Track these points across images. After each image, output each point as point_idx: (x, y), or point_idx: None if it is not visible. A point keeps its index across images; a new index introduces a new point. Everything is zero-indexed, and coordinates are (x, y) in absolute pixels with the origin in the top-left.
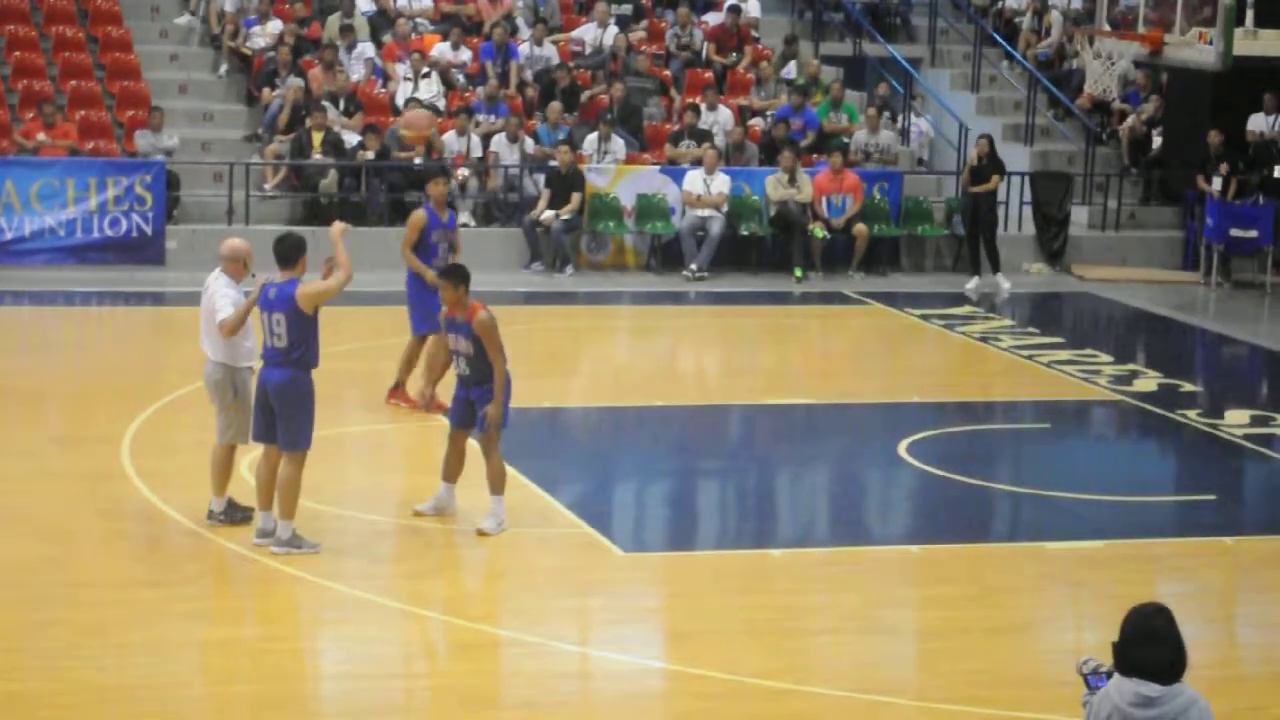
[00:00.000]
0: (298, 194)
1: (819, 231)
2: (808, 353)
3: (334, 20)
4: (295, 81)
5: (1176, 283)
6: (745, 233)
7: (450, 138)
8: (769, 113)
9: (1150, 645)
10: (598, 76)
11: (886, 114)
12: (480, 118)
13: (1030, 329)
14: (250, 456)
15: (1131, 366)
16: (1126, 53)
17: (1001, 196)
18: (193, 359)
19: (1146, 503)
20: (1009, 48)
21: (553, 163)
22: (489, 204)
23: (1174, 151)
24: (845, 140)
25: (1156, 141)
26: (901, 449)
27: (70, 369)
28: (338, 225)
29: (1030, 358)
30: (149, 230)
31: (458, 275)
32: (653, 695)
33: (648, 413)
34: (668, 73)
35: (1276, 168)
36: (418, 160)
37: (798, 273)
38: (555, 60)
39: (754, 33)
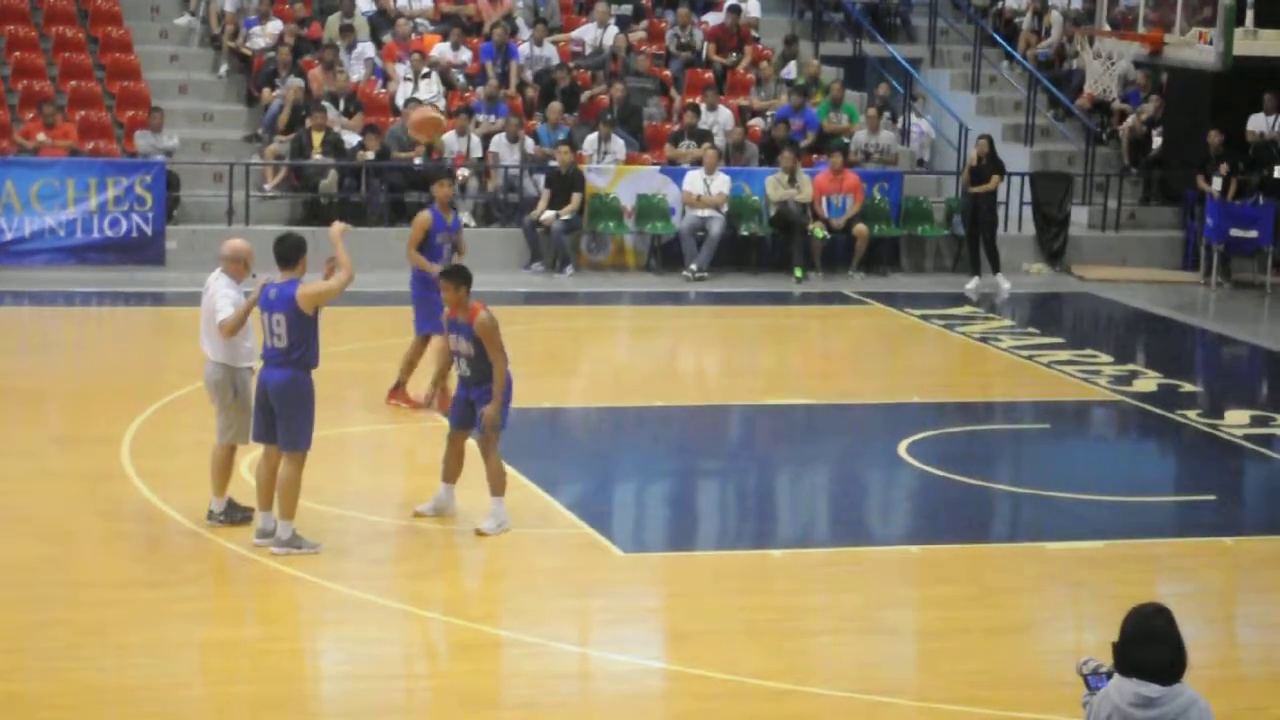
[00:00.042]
0: (298, 194)
1: (819, 232)
2: (808, 353)
3: (334, 20)
4: (295, 82)
5: (1176, 283)
6: (745, 233)
7: (450, 138)
8: (769, 113)
9: (1150, 645)
10: (598, 77)
11: (887, 114)
12: (480, 118)
13: (1030, 329)
14: (250, 457)
15: (1131, 367)
16: (1126, 53)
17: (1001, 197)
18: (193, 359)
19: (1146, 503)
20: (1009, 48)
21: (553, 163)
22: (489, 204)
23: (1174, 151)
24: (845, 140)
25: (1156, 142)
26: (901, 449)
27: (70, 369)
28: (337, 226)
29: (1030, 358)
30: (149, 230)
31: (459, 276)
32: (653, 696)
33: (648, 413)
34: (668, 73)
35: (1276, 168)
36: (417, 160)
37: (798, 273)
38: (555, 60)
39: (754, 33)
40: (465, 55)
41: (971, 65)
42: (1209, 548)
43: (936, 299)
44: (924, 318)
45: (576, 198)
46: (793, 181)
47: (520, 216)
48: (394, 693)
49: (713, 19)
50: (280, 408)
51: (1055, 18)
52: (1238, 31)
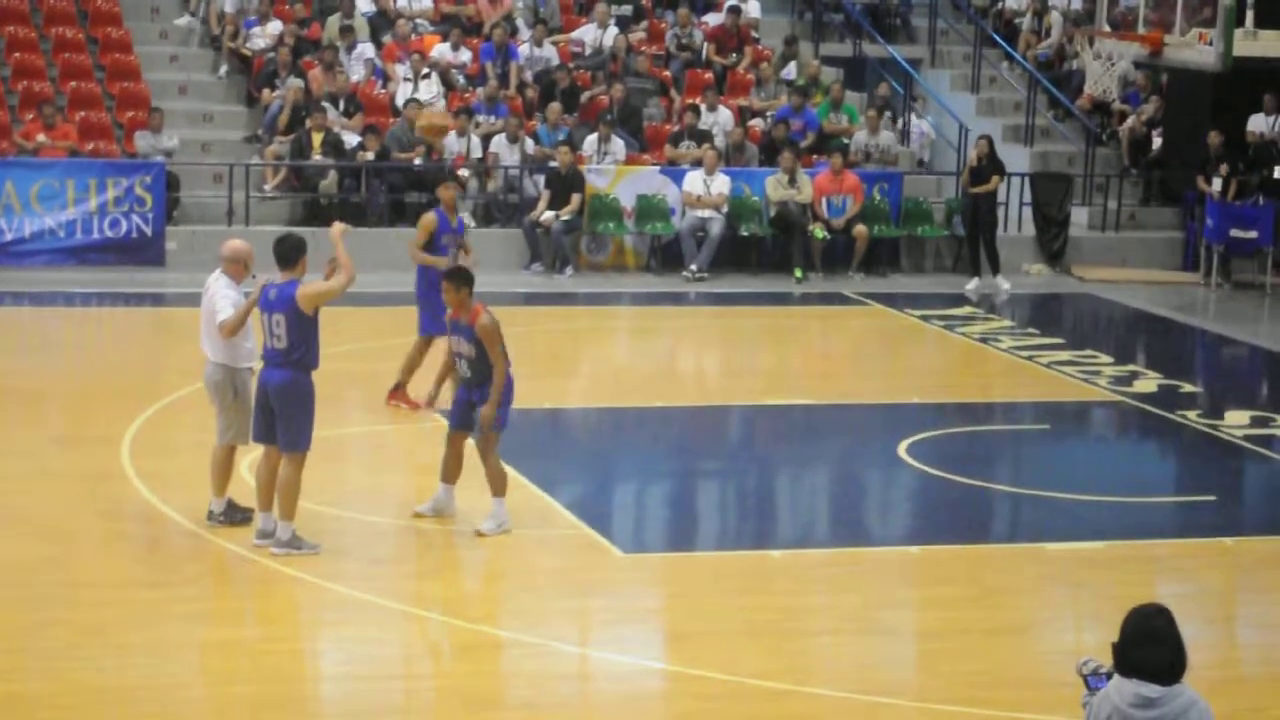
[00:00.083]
0: (298, 195)
1: (819, 232)
2: (808, 353)
3: (334, 21)
4: (295, 82)
5: (1176, 283)
6: (745, 233)
7: (450, 139)
8: (769, 113)
9: (1150, 646)
10: (598, 77)
11: (888, 114)
12: (480, 118)
13: (1030, 330)
14: (250, 457)
15: (1131, 367)
16: (1126, 53)
17: (1001, 197)
18: (193, 360)
19: (1146, 504)
20: (1009, 48)
21: (553, 163)
22: (489, 205)
23: (1174, 152)
24: (845, 141)
25: (1156, 142)
26: (901, 450)
27: (70, 370)
28: (337, 226)
29: (1030, 359)
30: (149, 231)
31: (461, 277)
32: (653, 696)
33: (648, 413)
34: (668, 73)
35: (1276, 168)
36: (417, 161)
37: (798, 273)
38: (555, 61)
39: (754, 33)
40: (465, 56)
41: (971, 66)
42: (1209, 548)
43: (936, 299)
44: (924, 318)
45: (576, 198)
46: (793, 182)
47: (520, 217)
48: (394, 693)
49: (713, 19)
50: (280, 408)
51: (1055, 18)
52: (1237, 32)
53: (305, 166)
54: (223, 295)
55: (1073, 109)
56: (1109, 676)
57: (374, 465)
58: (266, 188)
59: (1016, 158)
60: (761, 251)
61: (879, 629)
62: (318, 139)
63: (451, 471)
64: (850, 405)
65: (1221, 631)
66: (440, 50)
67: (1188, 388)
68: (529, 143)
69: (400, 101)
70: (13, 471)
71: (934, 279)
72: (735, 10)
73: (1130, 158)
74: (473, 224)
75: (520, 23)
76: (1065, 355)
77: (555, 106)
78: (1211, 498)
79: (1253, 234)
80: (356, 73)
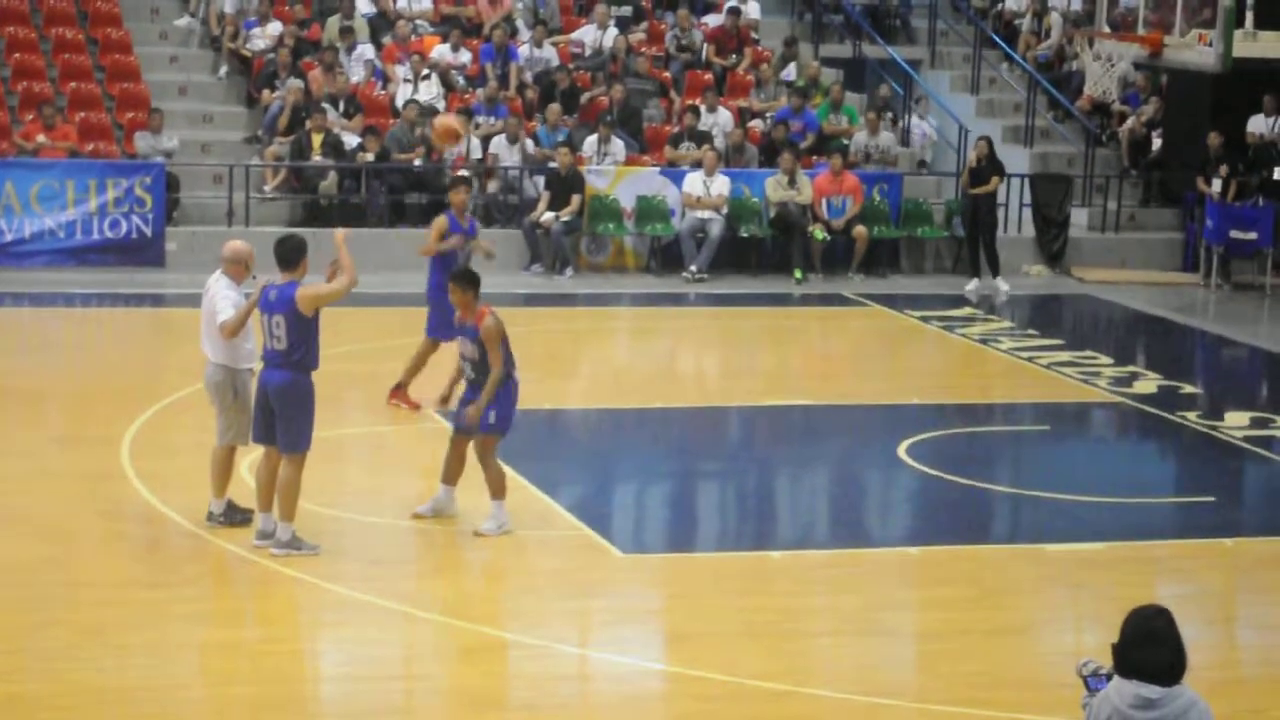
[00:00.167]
0: (298, 196)
1: (819, 233)
2: (807, 354)
3: (334, 22)
4: (295, 83)
5: (1176, 284)
6: (745, 234)
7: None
8: (769, 114)
9: (1150, 647)
10: (597, 78)
11: (889, 115)
12: (480, 119)
13: (1030, 331)
14: (250, 458)
15: (1131, 368)
16: (1126, 54)
17: (1001, 198)
18: (193, 360)
19: (1146, 504)
20: (1009, 49)
21: (552, 164)
22: (489, 206)
23: (1174, 153)
24: (845, 142)
25: (1156, 143)
26: (901, 451)
27: (70, 370)
28: (340, 231)
29: (1030, 360)
30: (149, 232)
31: (467, 279)
32: (653, 697)
33: (647, 414)
34: (667, 74)
35: (1276, 169)
36: (417, 162)
37: (797, 274)
38: (555, 62)
39: (754, 34)
40: (465, 57)
41: (971, 67)
42: (1209, 549)
43: (936, 300)
44: (924, 319)
45: (576, 199)
46: (792, 183)
47: (520, 218)
48: (394, 694)
49: (712, 21)
50: (280, 409)
51: (1055, 19)
52: (1237, 33)
53: (305, 167)
54: (223, 296)
55: (1072, 110)
56: (1109, 677)
57: (374, 466)
58: (266, 189)
59: (1016, 159)
60: (761, 252)
61: (879, 630)
62: (318, 140)
63: (453, 473)
64: (850, 406)
65: (1221, 632)
66: (440, 51)
67: (1187, 389)
68: (529, 144)
69: (400, 103)
70: (13, 471)
71: (934, 280)
72: (735, 11)
73: (1130, 159)
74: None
75: (520, 24)
76: (1065, 356)
77: (555, 107)
78: (1211, 499)
79: (1252, 235)
80: (356, 74)
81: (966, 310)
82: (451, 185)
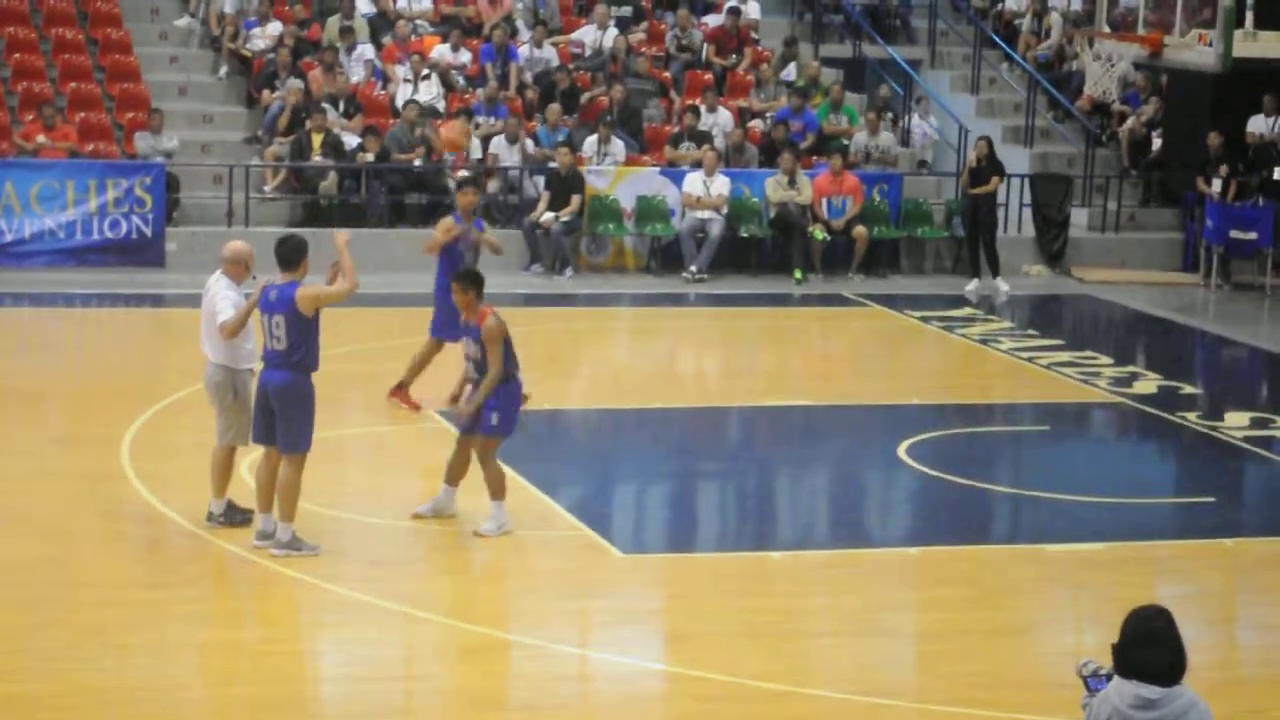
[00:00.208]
0: (297, 196)
1: (819, 233)
2: (807, 354)
3: (334, 22)
4: (295, 83)
5: (1176, 285)
6: (745, 235)
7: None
8: (769, 115)
9: (1150, 647)
10: (597, 78)
11: (889, 115)
12: (480, 119)
13: (1030, 331)
14: (250, 459)
15: (1131, 368)
16: (1126, 54)
17: (1001, 198)
18: (193, 361)
19: (1146, 505)
20: (1009, 50)
21: (552, 164)
22: (488, 206)
23: (1174, 153)
24: (845, 142)
25: (1156, 143)
26: (901, 451)
27: (70, 370)
28: (342, 235)
29: (1030, 360)
30: (149, 232)
31: (469, 279)
32: (652, 697)
33: (647, 415)
34: (667, 74)
35: (1276, 169)
36: (417, 162)
37: (797, 274)
38: (555, 62)
39: (754, 34)
40: (465, 57)
41: (971, 67)
42: (1209, 550)
43: (936, 301)
44: (924, 319)
45: (576, 199)
46: (792, 183)
47: (520, 218)
48: (394, 695)
49: (712, 21)
50: (280, 410)
51: (1055, 19)
52: (1237, 33)
53: (305, 168)
54: (223, 296)
55: (1072, 110)
56: (1109, 678)
57: (374, 467)
58: (266, 189)
59: (1016, 159)
60: (761, 253)
61: (879, 630)
62: (318, 140)
63: (456, 473)
64: (850, 406)
65: (1221, 633)
66: (440, 51)
67: (1187, 389)
68: (529, 144)
69: (400, 103)
70: (13, 472)
71: (934, 280)
72: (735, 11)
73: (1130, 159)
74: None
75: (520, 24)
76: (1065, 356)
77: (555, 107)
78: (1211, 499)
79: (1252, 235)
80: (356, 74)
81: (966, 310)
82: (459, 187)
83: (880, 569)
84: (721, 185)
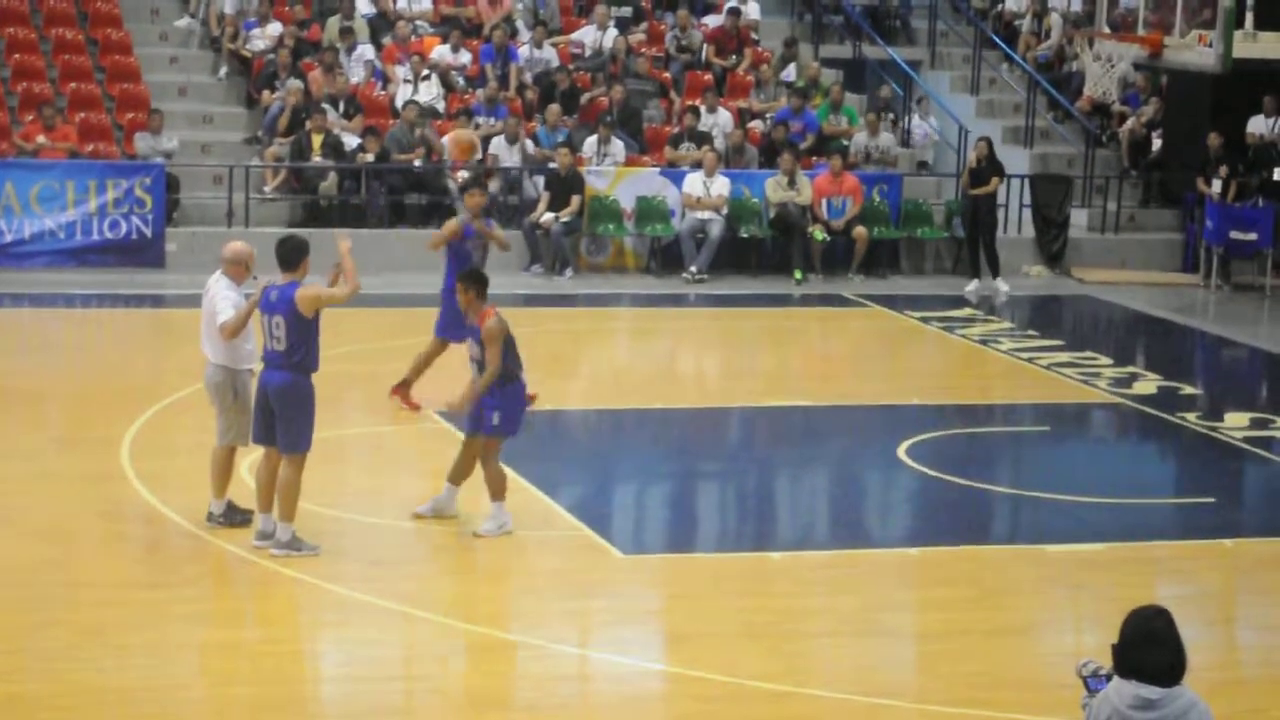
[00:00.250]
0: (297, 196)
1: (818, 234)
2: (807, 355)
3: (334, 23)
4: (295, 84)
5: (1176, 285)
6: (745, 235)
7: (449, 138)
8: (769, 115)
9: (1150, 648)
10: (597, 79)
11: (889, 116)
12: (480, 120)
13: (1030, 331)
14: (250, 459)
15: (1131, 369)
16: (1126, 55)
17: (1001, 199)
18: (193, 361)
19: (1146, 505)
20: (1009, 50)
21: (552, 165)
22: (489, 206)
23: (1174, 154)
24: (845, 143)
25: (1156, 144)
26: (901, 451)
27: (70, 371)
28: (345, 241)
29: (1030, 360)
30: (149, 233)
31: (471, 279)
32: (652, 697)
33: (647, 415)
34: (667, 75)
35: (1276, 170)
36: (417, 163)
37: (797, 275)
38: (555, 62)
39: (753, 35)
40: (465, 57)
41: (971, 67)
42: (1208, 550)
43: (936, 301)
44: (924, 320)
45: (576, 200)
46: (792, 184)
47: (520, 218)
48: (394, 695)
49: (712, 21)
50: (280, 410)
51: (1055, 20)
52: (1237, 34)
53: (305, 168)
54: (223, 297)
55: (1072, 111)
56: (1108, 678)
57: (374, 467)
58: (266, 189)
59: (1016, 159)
60: (761, 253)
61: (878, 631)
62: (317, 141)
63: (459, 473)
64: (850, 407)
65: (1221, 633)
66: (440, 52)
67: (1187, 389)
68: (529, 144)
69: (400, 103)
70: (13, 472)
71: (934, 281)
72: (735, 12)
73: (1130, 159)
74: None
75: (520, 24)
76: (1065, 357)
77: (555, 108)
78: (1211, 499)
79: (1252, 236)
80: (356, 74)
81: (966, 311)
82: (466, 188)
83: (880, 569)
84: (721, 186)
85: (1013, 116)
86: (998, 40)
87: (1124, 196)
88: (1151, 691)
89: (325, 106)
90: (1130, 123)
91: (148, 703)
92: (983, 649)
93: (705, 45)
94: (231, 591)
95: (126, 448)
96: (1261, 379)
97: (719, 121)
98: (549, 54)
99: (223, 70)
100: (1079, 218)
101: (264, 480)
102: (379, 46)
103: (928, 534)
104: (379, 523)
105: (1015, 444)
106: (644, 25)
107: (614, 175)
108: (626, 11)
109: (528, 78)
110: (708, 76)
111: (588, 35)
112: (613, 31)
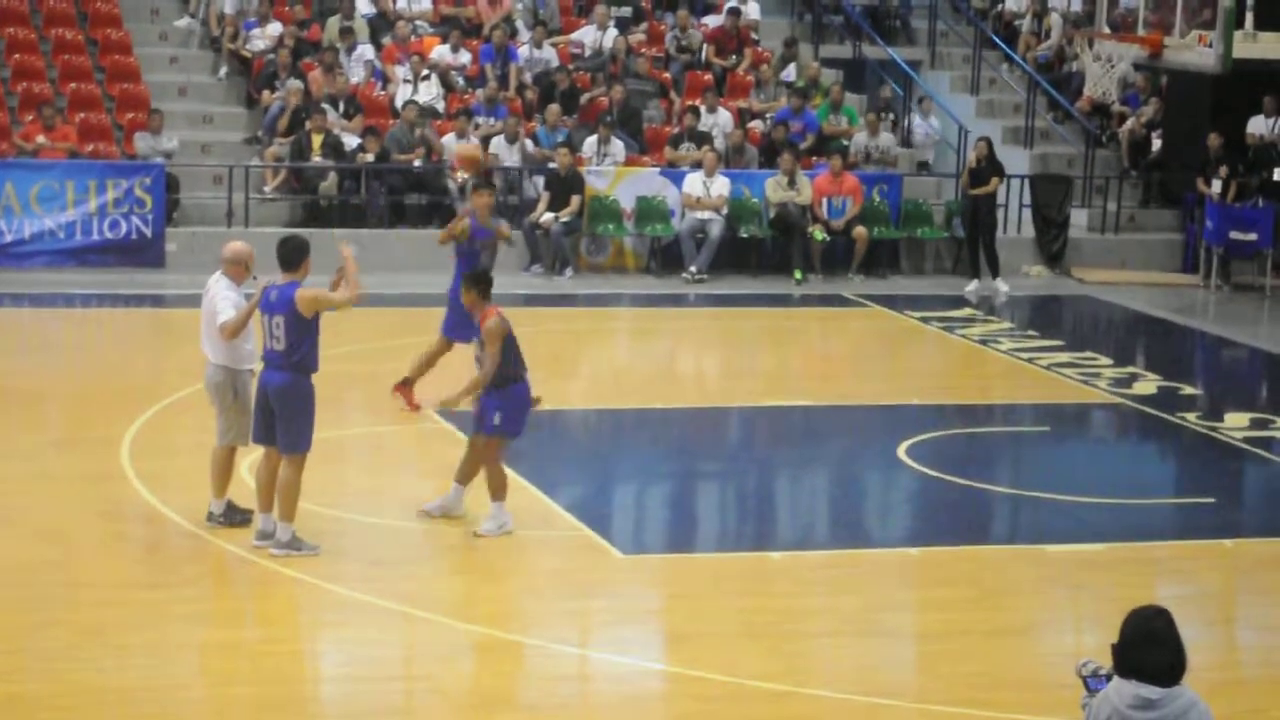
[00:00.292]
0: (297, 196)
1: (818, 234)
2: (807, 355)
3: (334, 23)
4: (295, 84)
5: (1176, 285)
6: (745, 235)
7: (450, 140)
8: (768, 115)
9: (1150, 648)
10: (597, 79)
11: (889, 116)
12: (479, 120)
13: (1030, 332)
14: (250, 459)
15: (1131, 369)
16: (1126, 55)
17: (1001, 199)
18: (193, 361)
19: (1146, 505)
20: (1009, 50)
21: (552, 165)
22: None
23: (1174, 154)
24: (845, 143)
25: (1156, 144)
26: (901, 451)
27: (70, 371)
28: (348, 248)
29: (1030, 360)
30: (149, 233)
31: (474, 279)
32: (653, 697)
33: (647, 415)
34: (667, 75)
35: (1276, 170)
36: (417, 163)
37: (797, 275)
38: (555, 62)
39: (753, 35)
40: (465, 57)
41: (971, 68)
42: (1208, 550)
43: (936, 301)
44: (924, 320)
45: (576, 200)
46: (792, 184)
47: (520, 218)
48: (394, 695)
49: (712, 21)
50: (280, 410)
51: (1055, 20)
52: (1237, 34)
53: (305, 168)
54: (223, 297)
55: (1072, 111)
56: (1108, 678)
57: (374, 467)
58: (266, 189)
59: (1016, 159)
60: (761, 253)
61: (879, 631)
62: (317, 141)
63: (466, 473)
64: (850, 407)
65: (1221, 633)
66: (440, 52)
67: (1187, 390)
68: (528, 144)
69: (400, 103)
70: (13, 472)
71: (933, 281)
72: (735, 12)
73: (1130, 160)
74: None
75: (520, 24)
76: (1065, 357)
77: (555, 108)
78: (1211, 500)
79: (1252, 236)
80: (356, 74)
81: (966, 311)
82: (474, 188)
83: (880, 569)
84: (721, 186)
85: (1013, 116)
86: (998, 40)
87: (1124, 197)
88: (1151, 691)
89: (325, 106)
90: (1130, 123)
91: (148, 703)
92: (983, 649)
93: (705, 45)
94: (231, 591)
95: (126, 448)
96: (1261, 379)
97: (719, 121)
98: (549, 54)
99: (223, 70)
100: (1079, 218)
101: (264, 480)
102: (379, 46)
103: (928, 534)
104: (379, 523)
105: (1015, 444)
106: (644, 25)
107: (614, 175)
108: (626, 11)
109: (527, 78)
110: (708, 76)
111: (588, 35)
112: (613, 31)
